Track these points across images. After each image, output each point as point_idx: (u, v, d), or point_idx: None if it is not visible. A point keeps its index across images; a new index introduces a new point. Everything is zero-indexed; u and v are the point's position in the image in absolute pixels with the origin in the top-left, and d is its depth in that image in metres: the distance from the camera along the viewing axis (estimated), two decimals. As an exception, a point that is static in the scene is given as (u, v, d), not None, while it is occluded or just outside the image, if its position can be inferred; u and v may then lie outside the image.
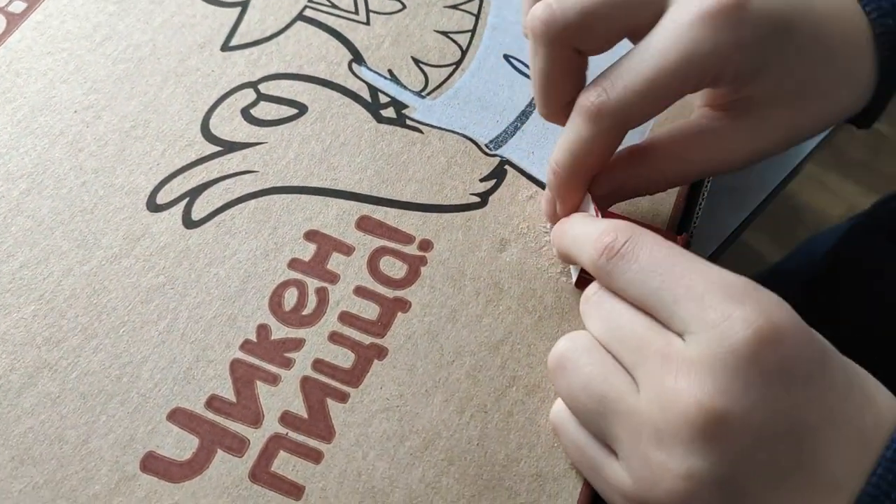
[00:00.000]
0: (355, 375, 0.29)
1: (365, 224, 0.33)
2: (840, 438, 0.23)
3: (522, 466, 0.28)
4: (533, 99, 0.36)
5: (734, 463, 0.22)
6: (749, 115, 0.29)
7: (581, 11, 0.26)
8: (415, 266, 0.32)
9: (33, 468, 0.27)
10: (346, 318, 0.30)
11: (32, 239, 0.31)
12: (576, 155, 0.28)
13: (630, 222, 0.26)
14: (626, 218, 0.28)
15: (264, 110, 0.35)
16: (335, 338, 0.30)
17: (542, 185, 0.34)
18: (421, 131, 0.35)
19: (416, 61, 0.37)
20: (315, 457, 0.28)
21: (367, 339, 0.30)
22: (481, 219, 0.33)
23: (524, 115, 0.36)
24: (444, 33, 0.38)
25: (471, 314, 0.31)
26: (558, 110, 0.29)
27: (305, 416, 0.28)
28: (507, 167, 0.34)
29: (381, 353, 0.30)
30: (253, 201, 0.33)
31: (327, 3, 0.39)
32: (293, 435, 0.28)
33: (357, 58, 0.37)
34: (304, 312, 0.30)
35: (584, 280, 0.30)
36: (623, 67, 0.27)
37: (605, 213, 0.29)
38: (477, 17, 0.39)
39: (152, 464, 0.27)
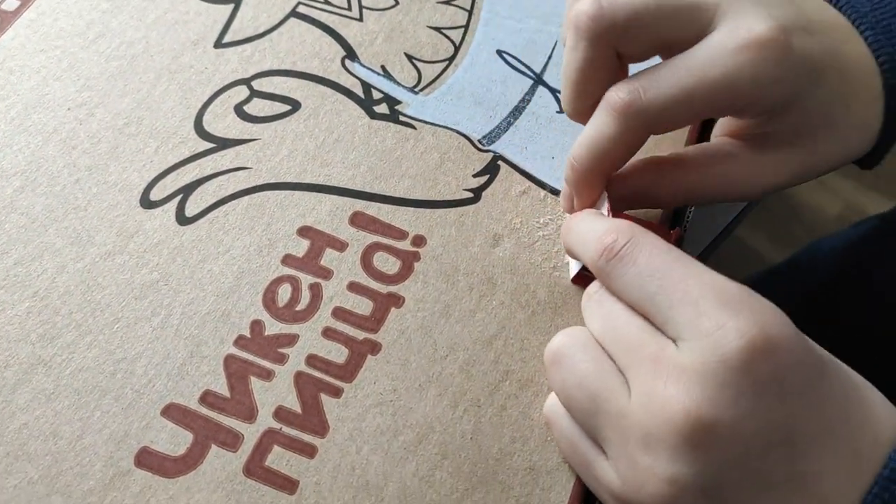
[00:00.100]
0: (349, 370, 0.29)
1: (358, 220, 0.33)
2: (833, 454, 0.23)
3: (516, 460, 0.28)
4: (526, 94, 0.37)
5: (720, 472, 0.22)
6: (766, 149, 0.29)
7: (630, 12, 0.27)
8: (408, 261, 0.32)
9: (28, 464, 0.27)
10: (339, 313, 0.30)
11: (26, 236, 0.31)
12: (596, 151, 0.28)
13: (633, 223, 0.26)
14: (633, 218, 0.28)
15: (257, 107, 0.35)
16: (329, 333, 0.30)
17: (535, 181, 0.34)
18: (414, 127, 0.35)
19: (410, 57, 0.37)
20: (309, 451, 0.28)
21: (360, 335, 0.30)
22: (474, 214, 0.33)
23: (517, 111, 0.36)
24: (437, 29, 0.38)
25: (464, 309, 0.31)
26: (584, 109, 0.29)
27: (299, 411, 0.28)
28: (500, 162, 0.35)
29: (374, 348, 0.30)
30: (246, 198, 0.33)
31: (320, -1, 0.39)
32: (287, 430, 0.28)
33: (350, 54, 0.37)
34: (298, 308, 0.30)
35: (582, 276, 0.30)
36: (661, 72, 0.27)
37: (616, 213, 0.29)
38: (470, 12, 0.39)
39: (146, 459, 0.27)
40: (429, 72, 0.37)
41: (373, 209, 0.33)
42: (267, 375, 0.29)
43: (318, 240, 0.32)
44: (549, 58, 0.38)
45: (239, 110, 0.35)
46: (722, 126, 0.31)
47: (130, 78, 0.36)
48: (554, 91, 0.37)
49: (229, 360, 0.29)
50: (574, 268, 0.31)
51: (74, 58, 0.36)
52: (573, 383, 0.26)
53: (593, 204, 0.30)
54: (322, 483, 0.27)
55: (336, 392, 0.29)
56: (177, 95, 0.35)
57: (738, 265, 1.00)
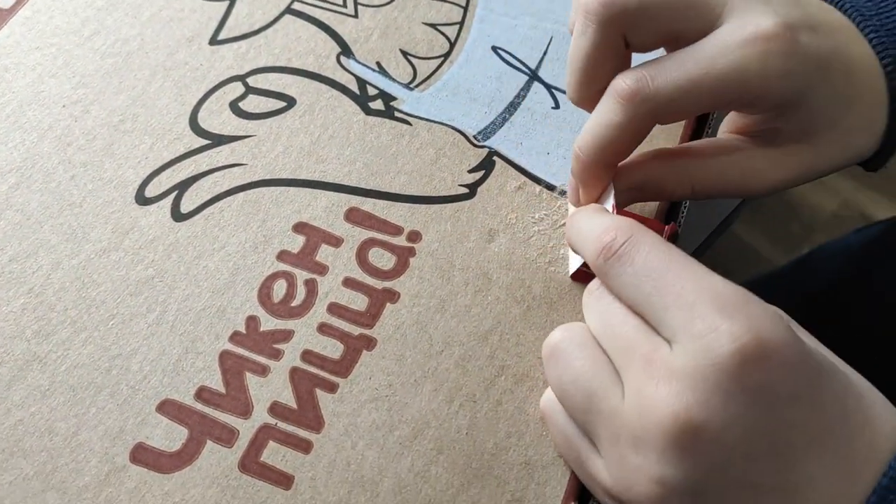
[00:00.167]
0: (344, 366, 0.29)
1: (354, 216, 0.33)
2: (827, 462, 0.22)
3: (511, 455, 0.28)
4: (521, 90, 0.37)
5: (708, 475, 0.22)
6: (773, 147, 0.29)
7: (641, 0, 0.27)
8: (403, 257, 0.32)
9: (23, 460, 0.27)
10: (335, 309, 0.30)
11: (21, 233, 0.31)
12: (602, 139, 0.28)
13: (634, 220, 0.26)
14: (635, 216, 0.28)
15: (253, 103, 0.35)
16: (324, 329, 0.30)
17: (530, 176, 0.34)
18: (409, 123, 0.35)
19: (405, 53, 0.37)
20: (304, 447, 0.28)
21: (356, 330, 0.30)
22: (470, 210, 0.33)
23: (512, 107, 0.36)
24: (433, 25, 0.38)
25: (459, 304, 0.31)
26: (590, 96, 0.29)
27: (294, 406, 0.28)
28: (495, 158, 0.35)
29: (370, 343, 0.30)
30: (242, 194, 0.33)
31: (316, -4, 0.39)
32: (282, 425, 0.28)
33: (345, 50, 0.37)
34: (294, 304, 0.30)
35: (582, 273, 0.30)
36: (669, 62, 0.27)
37: (620, 210, 0.29)
38: (465, 9, 0.39)
39: (142, 455, 0.27)
40: (424, 68, 0.37)
41: (368, 205, 0.33)
42: (262, 371, 0.29)
43: (314, 236, 0.32)
44: (545, 54, 0.38)
45: (234, 107, 0.35)
46: (729, 123, 0.31)
47: (125, 75, 0.36)
48: (549, 87, 0.37)
49: (224, 356, 0.29)
50: (575, 263, 0.31)
51: (70, 55, 0.36)
52: (569, 380, 0.26)
53: (599, 196, 0.30)
54: (317, 478, 0.27)
55: (331, 387, 0.29)
56: (172, 92, 0.35)
57: (736, 263, 1.01)
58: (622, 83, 0.27)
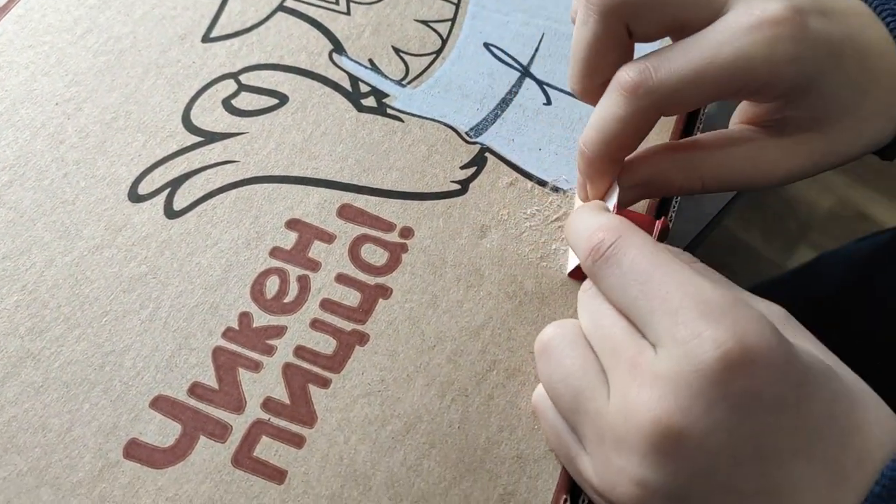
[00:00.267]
0: (337, 361, 0.29)
1: (346, 212, 0.33)
2: (813, 468, 0.22)
3: (503, 449, 0.28)
4: (513, 87, 0.37)
5: (689, 480, 0.22)
6: (784, 136, 0.29)
7: None
8: (396, 253, 0.32)
9: (17, 456, 0.27)
10: (327, 304, 0.31)
11: (14, 230, 0.31)
12: (606, 133, 0.27)
13: (625, 220, 0.26)
14: (637, 215, 0.28)
15: (245, 101, 0.35)
16: (317, 324, 0.30)
17: (522, 172, 0.34)
18: (402, 120, 0.35)
19: (397, 50, 0.37)
20: (297, 442, 0.28)
21: (348, 326, 0.30)
22: (462, 206, 0.33)
23: (504, 103, 0.36)
24: (425, 22, 0.38)
25: (451, 300, 0.31)
26: (593, 88, 0.28)
27: (287, 401, 0.29)
28: (487, 154, 0.35)
29: (362, 339, 0.30)
30: (234, 191, 0.33)
31: (308, -7, 0.39)
32: (275, 420, 0.28)
33: (337, 47, 0.37)
34: (286, 300, 0.31)
35: (579, 271, 0.30)
36: (673, 52, 0.26)
37: (621, 211, 0.29)
38: (457, 5, 0.39)
39: (135, 450, 0.27)
40: (416, 65, 0.37)
41: (360, 201, 0.33)
42: (255, 367, 0.29)
43: (306, 232, 0.32)
44: (536, 50, 0.38)
45: (227, 104, 0.35)
46: (739, 113, 0.30)
47: (118, 73, 0.36)
48: (541, 83, 0.37)
49: (217, 352, 0.29)
50: (573, 262, 0.31)
51: (62, 53, 0.36)
52: (558, 378, 0.26)
53: (606, 191, 0.29)
54: (310, 473, 0.27)
55: (324, 383, 0.29)
56: (164, 90, 0.35)
57: (731, 260, 1.01)
58: (625, 75, 0.26)
